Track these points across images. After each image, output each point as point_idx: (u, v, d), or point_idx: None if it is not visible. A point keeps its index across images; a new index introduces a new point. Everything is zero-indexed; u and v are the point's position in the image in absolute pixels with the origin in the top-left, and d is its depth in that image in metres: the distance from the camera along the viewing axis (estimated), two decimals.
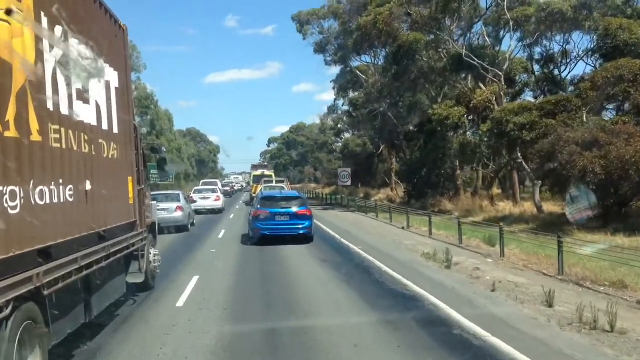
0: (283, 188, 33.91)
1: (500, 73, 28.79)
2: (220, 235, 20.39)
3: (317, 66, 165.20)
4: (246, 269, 13.24)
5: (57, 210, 5.42)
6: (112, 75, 7.69)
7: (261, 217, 17.53)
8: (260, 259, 14.79)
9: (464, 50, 29.03)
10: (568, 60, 40.95)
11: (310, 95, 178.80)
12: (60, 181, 5.49)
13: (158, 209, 19.73)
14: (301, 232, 17.47)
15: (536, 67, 42.00)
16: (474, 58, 28.73)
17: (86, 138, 6.31)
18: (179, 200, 22.26)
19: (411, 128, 41.87)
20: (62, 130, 5.62)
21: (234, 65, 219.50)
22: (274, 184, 39.53)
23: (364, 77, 44.81)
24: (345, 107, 65.99)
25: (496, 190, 37.72)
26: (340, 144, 68.04)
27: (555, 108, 25.04)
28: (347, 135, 65.79)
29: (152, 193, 23.34)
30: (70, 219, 5.76)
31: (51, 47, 5.45)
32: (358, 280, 11.56)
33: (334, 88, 69.75)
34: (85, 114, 6.36)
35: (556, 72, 40.26)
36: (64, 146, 5.63)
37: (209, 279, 11.68)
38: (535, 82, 40.22)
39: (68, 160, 5.77)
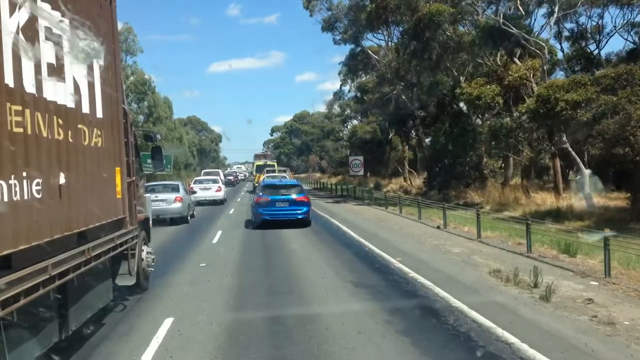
0: (285, 177, 33.15)
1: (543, 44, 24.17)
2: (215, 239, 15.91)
3: (324, 46, 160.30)
4: (246, 302, 8.75)
5: (19, 209, 4.30)
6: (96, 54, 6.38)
7: (263, 203, 18.19)
8: (265, 278, 10.34)
9: (500, 18, 24.35)
10: (600, 37, 36.68)
11: (313, 84, 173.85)
12: (24, 174, 4.38)
13: (156, 200, 18.73)
14: (299, 217, 18.07)
15: (565, 45, 37.90)
16: (512, 27, 24.12)
17: (60, 122, 5.11)
18: (178, 191, 20.93)
19: (422, 113, 37.54)
20: (27, 112, 4.50)
21: (237, 54, 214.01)
22: (276, 174, 38.47)
23: (376, 57, 40.16)
24: (352, 94, 61.69)
25: (517, 180, 33.29)
26: (347, 132, 63.46)
27: (616, 83, 20.54)
28: (354, 122, 61.20)
29: (150, 184, 21.46)
30: (38, 220, 4.59)
31: (12, 10, 4.33)
32: (424, 329, 7.09)
33: (339, 74, 65.26)
34: (59, 93, 5.13)
35: (589, 49, 36.00)
36: (29, 131, 4.51)
37: (188, 326, 7.24)
38: (566, 60, 35.75)
39: (34, 148, 4.59)
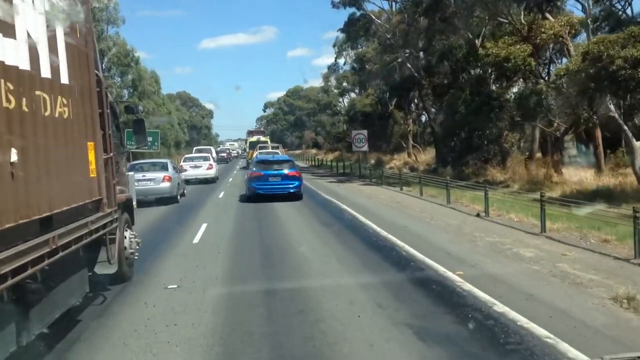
0: (277, 153, 32.69)
1: None
2: (197, 238, 11.79)
3: (316, 20, 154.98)
4: None
5: None
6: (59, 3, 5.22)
7: (256, 178, 18.43)
8: (266, 321, 6.30)
9: None
10: None
11: (306, 59, 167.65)
12: None
13: (144, 179, 17.85)
14: (291, 191, 18.23)
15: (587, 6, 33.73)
16: None
17: (10, 87, 4.02)
18: (166, 170, 19.37)
19: (431, 82, 33.31)
20: None
21: (228, 30, 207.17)
22: (269, 150, 37.88)
23: (379, 21, 35.82)
24: (349, 66, 57.43)
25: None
26: (344, 105, 59.11)
27: None
28: (352, 95, 56.89)
29: (137, 162, 20.60)
30: None
31: None
32: None
33: (334, 45, 60.76)
34: (8, 52, 4.04)
35: (618, 6, 31.85)
36: None
37: None
38: (593, 21, 31.64)
39: None
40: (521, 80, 25.46)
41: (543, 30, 21.67)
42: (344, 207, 16.34)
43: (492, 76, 24.24)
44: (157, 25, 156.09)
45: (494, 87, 25.93)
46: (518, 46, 21.59)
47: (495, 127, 25.98)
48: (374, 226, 12.57)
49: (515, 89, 26.81)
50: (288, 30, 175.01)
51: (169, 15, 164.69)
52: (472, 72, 27.38)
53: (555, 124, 23.98)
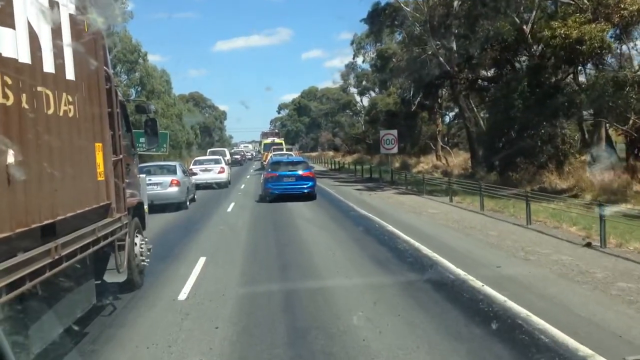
0: (291, 155, 32.01)
1: None
2: (186, 290, 7.32)
3: (330, 21, 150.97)
4: None
5: None
6: None
7: (271, 179, 18.44)
8: None
9: None
10: None
11: (320, 61, 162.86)
12: None
13: (150, 184, 16.00)
14: (305, 191, 18.15)
15: None
16: None
17: (8, 82, 3.57)
18: (175, 173, 17.71)
19: (468, 75, 28.87)
20: None
21: (243, 32, 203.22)
22: (283, 152, 37.18)
23: (407, 9, 31.47)
24: (367, 64, 53.28)
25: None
26: (362, 104, 54.73)
27: None
28: (372, 94, 52.55)
29: (144, 165, 18.57)
30: None
31: None
32: None
33: (352, 43, 56.55)
34: (5, 43, 3.61)
35: None
36: None
37: None
38: None
39: None
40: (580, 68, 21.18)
41: (623, 6, 17.21)
42: (391, 229, 11.98)
43: (552, 63, 19.75)
44: (171, 27, 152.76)
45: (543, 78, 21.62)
46: (593, 25, 17.16)
47: (550, 125, 21.53)
48: (452, 267, 8.23)
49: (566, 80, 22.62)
50: (302, 32, 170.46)
51: (183, 17, 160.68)
52: (522, 61, 23.05)
53: (631, 121, 19.53)
